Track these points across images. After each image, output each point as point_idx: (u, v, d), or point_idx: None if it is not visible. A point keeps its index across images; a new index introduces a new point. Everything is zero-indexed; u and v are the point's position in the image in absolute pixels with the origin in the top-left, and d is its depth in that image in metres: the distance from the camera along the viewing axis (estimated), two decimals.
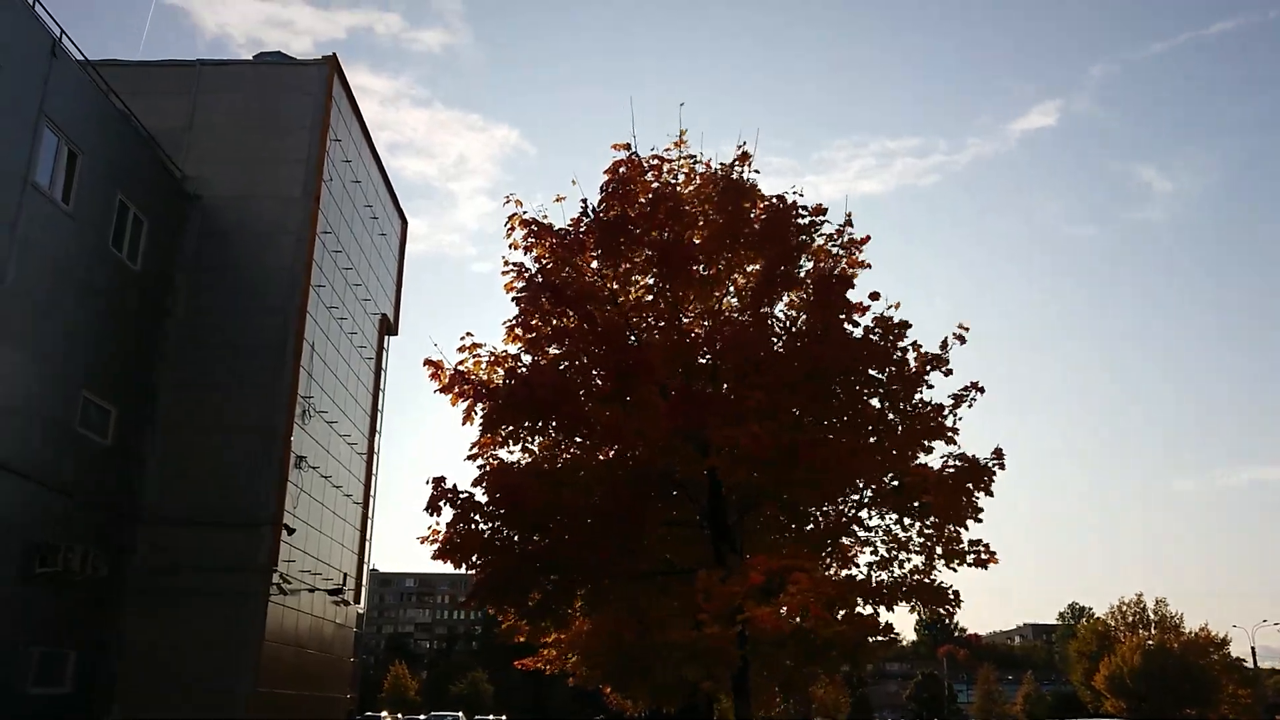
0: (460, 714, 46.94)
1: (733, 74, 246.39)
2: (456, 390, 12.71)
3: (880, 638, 11.02)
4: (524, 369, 11.95)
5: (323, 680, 31.17)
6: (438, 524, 12.76)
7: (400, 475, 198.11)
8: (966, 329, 12.02)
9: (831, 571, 12.28)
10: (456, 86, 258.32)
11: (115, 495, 24.42)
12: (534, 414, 11.67)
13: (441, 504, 11.74)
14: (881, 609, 11.53)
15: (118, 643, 24.46)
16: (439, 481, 11.85)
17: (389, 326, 38.76)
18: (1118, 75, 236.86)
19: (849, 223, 12.73)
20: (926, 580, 12.24)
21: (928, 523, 12.11)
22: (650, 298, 12.79)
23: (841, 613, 11.03)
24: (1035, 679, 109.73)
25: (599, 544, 11.35)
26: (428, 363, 13.24)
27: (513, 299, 12.95)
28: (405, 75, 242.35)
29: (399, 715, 68.48)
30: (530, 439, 13.20)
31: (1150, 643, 69.70)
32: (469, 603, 14.03)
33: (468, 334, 13.25)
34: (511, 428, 12.75)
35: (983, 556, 12.13)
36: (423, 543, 12.89)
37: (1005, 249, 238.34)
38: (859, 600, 11.12)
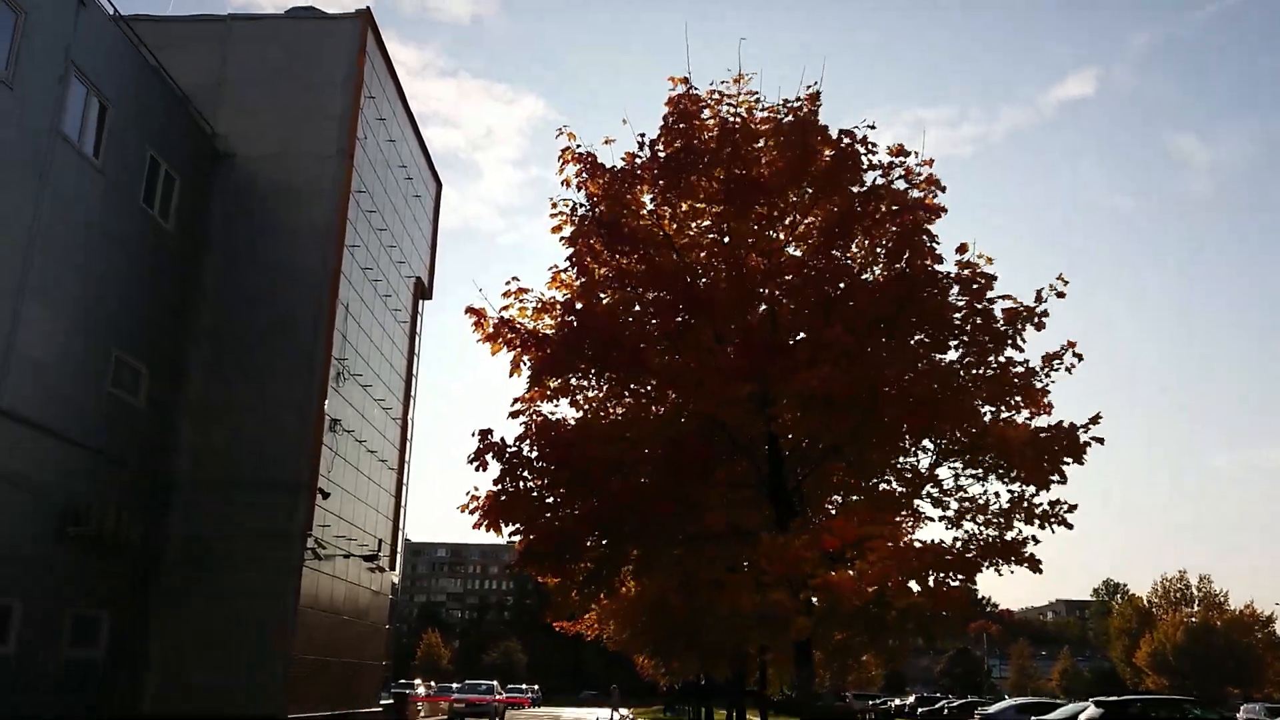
0: (495, 682, 46.69)
1: (761, 42, 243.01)
2: (502, 339, 11.93)
3: (964, 612, 10.13)
4: (574, 316, 11.11)
5: (359, 647, 30.81)
6: (476, 490, 12.07)
7: (432, 445, 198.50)
8: (1066, 282, 11.04)
9: (908, 538, 11.37)
10: (483, 57, 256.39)
11: (149, 458, 23.97)
12: (589, 359, 10.82)
13: (488, 458, 10.97)
14: (962, 578, 10.65)
15: (152, 607, 24.11)
16: (485, 434, 11.07)
17: (423, 290, 38.13)
18: (1160, 43, 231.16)
19: (927, 163, 11.73)
20: (1005, 539, 11.36)
21: (1008, 481, 11.23)
22: (710, 239, 11.93)
23: (917, 585, 10.16)
24: (1071, 655, 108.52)
25: (657, 504, 10.53)
26: (470, 310, 12.46)
27: (562, 240, 12.13)
28: (431, 45, 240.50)
29: (431, 683, 68.51)
30: (582, 391, 12.44)
31: (1193, 620, 68.32)
32: (515, 568, 13.31)
33: (513, 279, 12.42)
34: (560, 381, 11.97)
35: (1064, 515, 11.31)
36: (464, 511, 12.13)
37: (1043, 219, 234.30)
38: (945, 571, 10.25)
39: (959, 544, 11.27)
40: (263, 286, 26.48)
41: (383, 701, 34.22)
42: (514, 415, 12.40)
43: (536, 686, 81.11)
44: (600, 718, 49.48)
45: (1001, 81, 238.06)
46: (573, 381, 12.06)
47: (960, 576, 10.51)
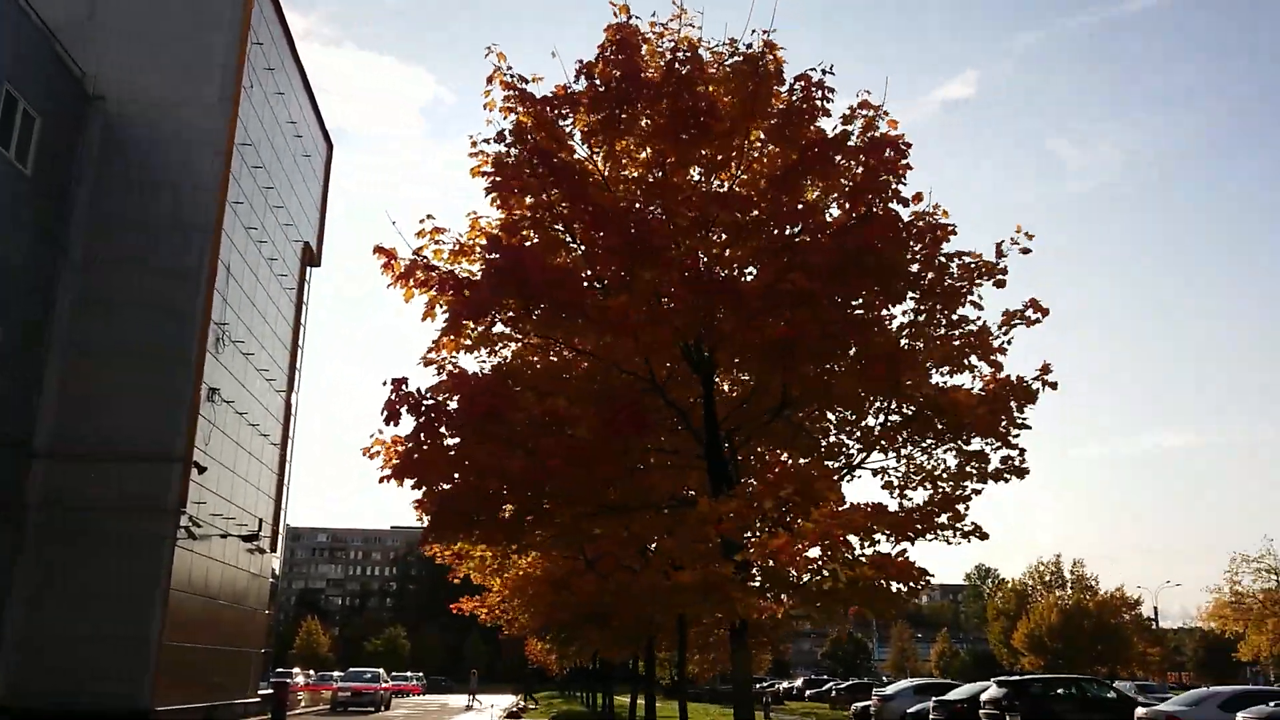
0: (380, 670, 44.78)
1: None
2: (415, 280, 10.63)
3: (913, 583, 9.33)
4: (500, 251, 9.87)
5: (236, 633, 28.82)
6: (382, 434, 10.87)
7: (313, 426, 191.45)
8: (1031, 236, 10.37)
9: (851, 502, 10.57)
10: (371, 28, 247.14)
11: (5, 423, 21.69)
12: (518, 300, 9.58)
13: (402, 410, 9.70)
14: (906, 544, 9.95)
15: (8, 586, 21.86)
16: (399, 384, 9.79)
17: (312, 257, 36.00)
18: (1041, 46, 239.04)
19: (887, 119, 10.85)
20: (954, 496, 10.72)
21: (961, 443, 10.57)
22: (649, 182, 10.85)
23: (865, 545, 9.38)
24: (949, 637, 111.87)
25: (598, 466, 9.45)
26: (378, 250, 11.15)
27: (486, 184, 10.86)
28: (316, 12, 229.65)
29: (311, 672, 66.01)
30: (504, 342, 11.24)
31: (1067, 602, 70.83)
32: (424, 538, 12.05)
33: (428, 216, 11.12)
34: (481, 329, 10.73)
35: (1017, 465, 10.77)
36: (367, 455, 10.93)
37: None
38: (889, 530, 9.52)
39: (910, 508, 10.56)
40: (137, 240, 24.34)
41: (261, 691, 32.25)
42: (427, 364, 11.14)
43: (422, 674, 79.06)
44: (494, 702, 48.31)
45: (887, 79, 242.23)
46: (495, 329, 10.86)
47: (904, 542, 9.82)
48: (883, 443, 10.69)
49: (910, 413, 10.67)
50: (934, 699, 28.12)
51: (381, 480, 10.27)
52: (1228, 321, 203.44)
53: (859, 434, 10.88)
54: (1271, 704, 18.93)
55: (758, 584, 10.50)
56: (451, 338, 10.86)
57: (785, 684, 75.08)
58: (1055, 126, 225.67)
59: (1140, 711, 20.21)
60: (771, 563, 9.99)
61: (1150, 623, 76.75)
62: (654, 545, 12.57)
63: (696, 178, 11.24)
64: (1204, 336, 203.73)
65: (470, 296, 10.19)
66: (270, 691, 31.00)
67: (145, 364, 23.55)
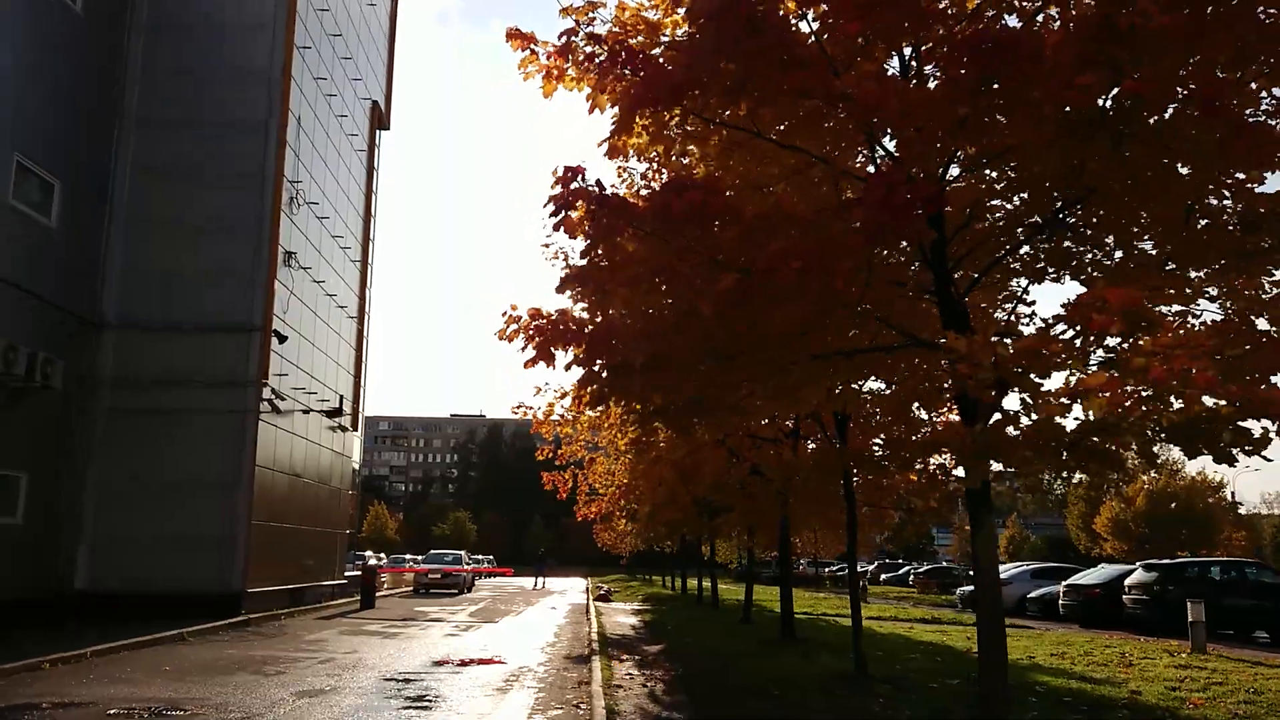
0: (463, 553, 43.81)
1: None
2: (574, 60, 8.21)
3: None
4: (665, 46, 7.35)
5: (322, 513, 27.50)
6: (516, 310, 8.72)
7: (372, 308, 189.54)
8: None
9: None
10: None
11: (68, 289, 19.92)
12: (742, 68, 6.96)
13: (575, 206, 7.36)
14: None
15: (83, 465, 20.45)
16: (572, 175, 7.39)
17: (381, 118, 33.51)
18: None
19: None
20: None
21: None
22: None
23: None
24: (1019, 522, 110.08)
25: (838, 281, 7.02)
26: (514, 35, 8.81)
27: None
28: None
29: (382, 556, 66.35)
30: (690, 141, 8.82)
31: (1153, 488, 68.47)
32: (580, 398, 9.67)
33: None
34: (663, 115, 8.21)
35: None
36: (507, 327, 8.81)
37: None
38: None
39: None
40: (200, 91, 22.07)
41: (348, 572, 31.23)
42: (568, 179, 8.67)
43: (492, 557, 79.41)
44: (567, 586, 47.76)
45: None
46: (686, 126, 8.37)
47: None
48: (1196, 261, 8.03)
49: (1241, 218, 8.00)
50: (1063, 584, 26.08)
51: (564, 291, 8.01)
52: None
53: (1167, 249, 8.15)
54: None
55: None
56: (623, 136, 8.45)
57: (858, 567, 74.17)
58: None
59: None
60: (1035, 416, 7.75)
61: (1235, 507, 74.45)
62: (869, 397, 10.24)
63: None
64: None
65: (653, 73, 7.77)
66: (357, 573, 29.92)
67: (218, 224, 21.57)
